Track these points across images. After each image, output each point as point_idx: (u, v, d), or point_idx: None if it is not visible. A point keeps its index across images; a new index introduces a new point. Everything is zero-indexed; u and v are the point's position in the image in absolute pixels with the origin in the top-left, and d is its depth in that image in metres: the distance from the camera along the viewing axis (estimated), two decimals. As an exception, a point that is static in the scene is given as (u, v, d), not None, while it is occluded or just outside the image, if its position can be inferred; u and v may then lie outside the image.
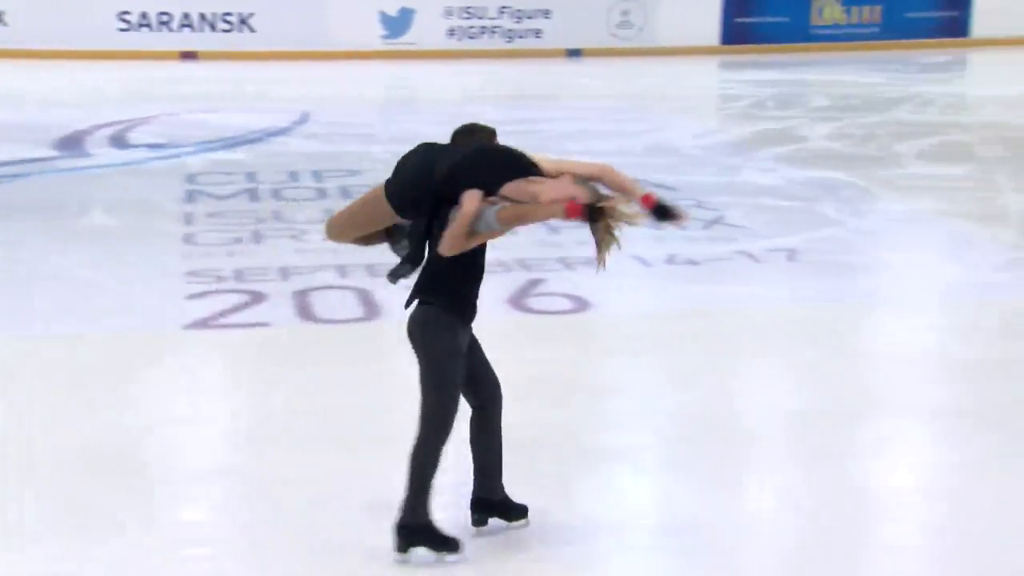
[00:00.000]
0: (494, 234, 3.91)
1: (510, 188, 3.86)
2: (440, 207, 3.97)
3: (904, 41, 21.27)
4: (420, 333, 3.94)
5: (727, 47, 20.78)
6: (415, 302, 4.00)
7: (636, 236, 8.89)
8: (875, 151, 11.79)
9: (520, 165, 3.94)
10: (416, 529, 4.01)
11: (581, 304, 6.97)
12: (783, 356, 6.28)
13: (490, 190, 3.87)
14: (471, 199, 3.85)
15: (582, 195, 3.79)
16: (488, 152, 4.02)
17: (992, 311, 6.91)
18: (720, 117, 15.04)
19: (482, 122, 4.27)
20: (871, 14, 21.47)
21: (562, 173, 3.96)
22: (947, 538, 4.32)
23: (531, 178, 3.90)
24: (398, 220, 4.16)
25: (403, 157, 4.15)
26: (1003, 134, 12.75)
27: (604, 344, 6.62)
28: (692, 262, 7.80)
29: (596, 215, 3.73)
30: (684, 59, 19.69)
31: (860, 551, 4.24)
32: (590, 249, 3.85)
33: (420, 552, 4.03)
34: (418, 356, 3.97)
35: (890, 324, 6.88)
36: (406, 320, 4.00)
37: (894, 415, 5.45)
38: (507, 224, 3.89)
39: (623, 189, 4.00)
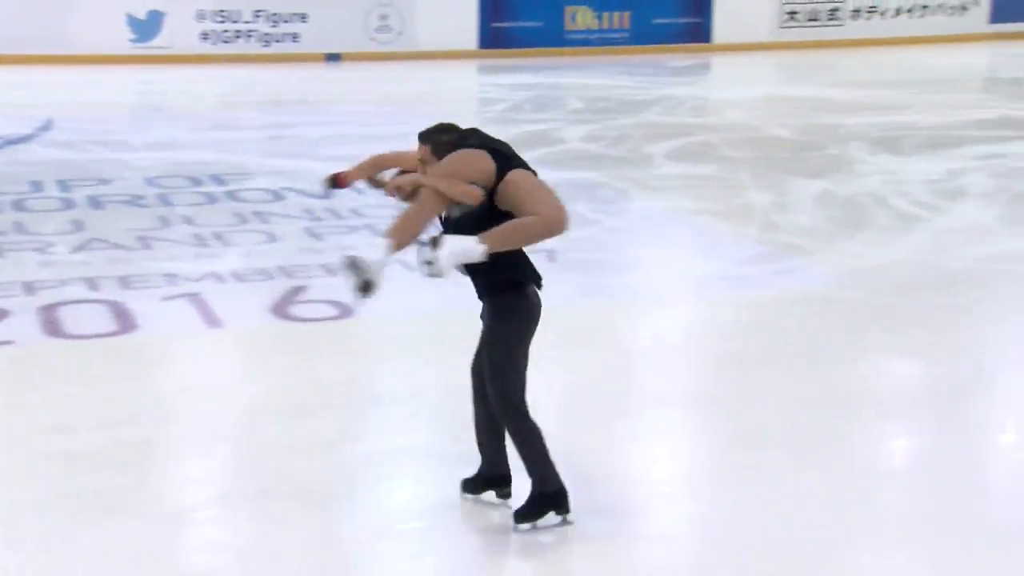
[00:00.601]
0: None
1: None
2: None
3: (652, 46, 22.14)
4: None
5: (485, 51, 21.07)
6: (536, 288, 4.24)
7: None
8: (629, 152, 12.21)
9: None
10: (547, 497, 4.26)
11: (345, 310, 6.90)
12: (549, 353, 6.37)
13: None
14: None
15: None
16: None
17: (740, 304, 7.25)
18: (479, 121, 15.19)
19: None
20: (621, 20, 22.25)
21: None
22: (703, 525, 4.49)
23: None
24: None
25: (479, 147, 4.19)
26: (745, 135, 13.44)
27: (372, 348, 6.57)
28: (456, 264, 7.87)
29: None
30: (444, 63, 19.85)
31: (614, 543, 4.35)
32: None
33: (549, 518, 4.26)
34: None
35: (648, 319, 7.12)
36: (540, 304, 4.26)
37: (654, 406, 5.64)
38: None
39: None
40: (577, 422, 5.36)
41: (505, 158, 4.16)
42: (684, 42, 22.43)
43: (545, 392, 5.78)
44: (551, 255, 8.18)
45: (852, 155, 11.93)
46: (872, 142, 12.60)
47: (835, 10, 23.48)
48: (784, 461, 4.94)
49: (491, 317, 4.18)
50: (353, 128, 13.34)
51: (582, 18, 22.04)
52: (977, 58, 21.87)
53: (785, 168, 11.29)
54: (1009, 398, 5.87)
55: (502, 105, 15.67)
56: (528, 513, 4.27)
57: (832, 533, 4.33)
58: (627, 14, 22.23)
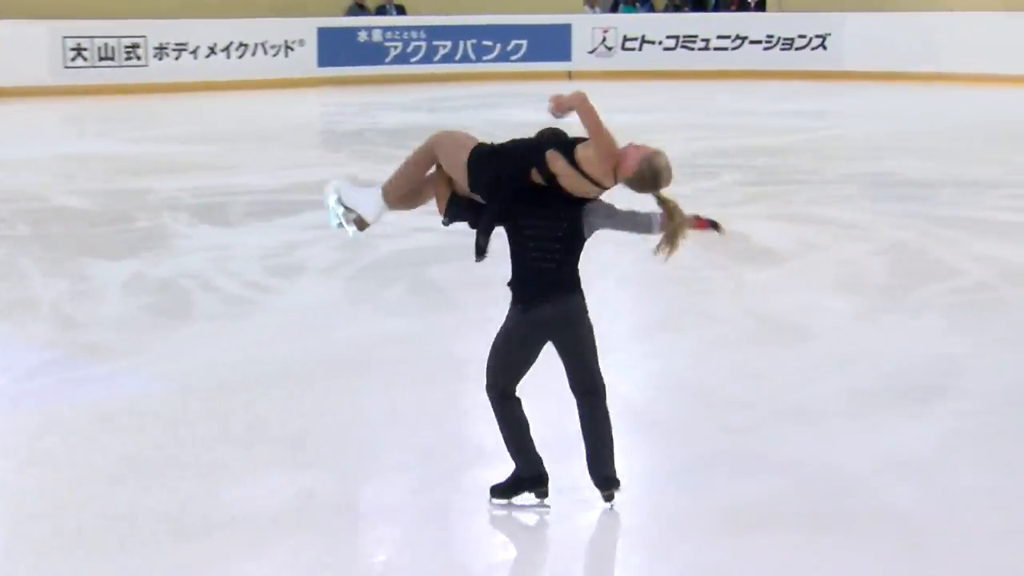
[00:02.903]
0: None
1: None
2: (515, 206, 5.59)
3: None
4: (585, 317, 5.70)
5: None
6: (572, 297, 5.67)
7: None
8: None
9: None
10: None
11: None
12: None
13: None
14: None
15: None
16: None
17: (24, 426, 7.05)
18: None
19: None
20: None
21: None
22: None
23: None
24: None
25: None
26: (26, 207, 13.19)
27: None
28: None
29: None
30: None
31: None
32: None
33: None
34: (582, 337, 5.69)
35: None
36: (564, 312, 5.62)
37: None
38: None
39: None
40: None
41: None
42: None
43: None
44: None
45: (167, 228, 12.17)
46: (191, 211, 12.94)
47: (134, 47, 23.97)
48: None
49: (580, 314, 5.67)
50: None
51: None
52: (310, 107, 23.44)
53: (82, 247, 11.28)
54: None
55: None
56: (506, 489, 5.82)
57: None
58: None
